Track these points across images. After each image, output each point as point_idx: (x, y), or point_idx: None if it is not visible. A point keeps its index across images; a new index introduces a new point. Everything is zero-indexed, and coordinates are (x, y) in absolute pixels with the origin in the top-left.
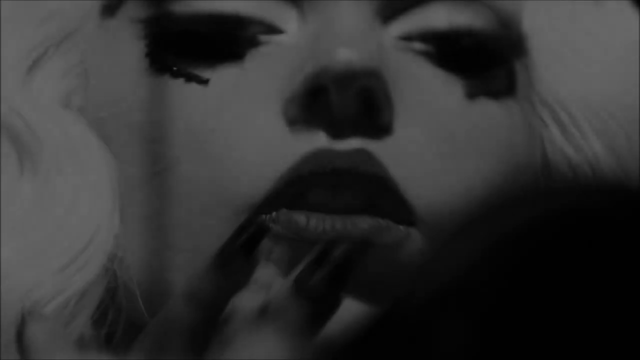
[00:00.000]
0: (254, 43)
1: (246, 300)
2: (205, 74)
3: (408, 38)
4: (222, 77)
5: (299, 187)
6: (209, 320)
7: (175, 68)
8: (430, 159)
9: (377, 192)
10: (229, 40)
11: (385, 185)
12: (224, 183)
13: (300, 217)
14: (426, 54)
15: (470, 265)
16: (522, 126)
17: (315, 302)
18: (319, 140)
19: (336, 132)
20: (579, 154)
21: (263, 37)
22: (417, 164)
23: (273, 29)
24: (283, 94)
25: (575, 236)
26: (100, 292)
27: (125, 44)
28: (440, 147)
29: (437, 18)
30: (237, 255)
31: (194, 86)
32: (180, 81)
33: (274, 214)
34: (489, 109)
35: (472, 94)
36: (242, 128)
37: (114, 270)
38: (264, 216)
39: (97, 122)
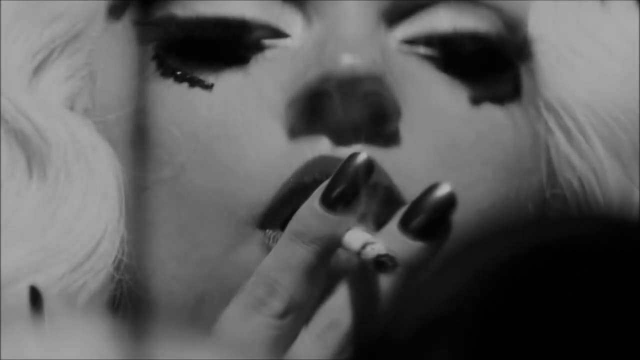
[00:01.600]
0: (258, 47)
1: (355, 238)
2: (209, 78)
3: (413, 42)
4: (227, 82)
5: (302, 195)
6: (321, 256)
7: (179, 72)
8: (434, 168)
9: (381, 203)
10: (234, 44)
11: (388, 194)
12: (228, 192)
13: None
14: (431, 59)
15: (459, 294)
16: (527, 132)
17: (421, 240)
18: (323, 146)
19: (340, 139)
20: (583, 160)
21: (268, 42)
22: (420, 173)
23: (278, 33)
24: (287, 100)
25: (564, 267)
26: (105, 299)
27: (131, 47)
28: (444, 155)
29: (442, 22)
30: (343, 194)
31: (198, 91)
32: (185, 86)
33: (277, 234)
34: (493, 116)
35: (477, 100)
36: (246, 135)
37: (120, 278)
38: (269, 232)
39: (102, 125)
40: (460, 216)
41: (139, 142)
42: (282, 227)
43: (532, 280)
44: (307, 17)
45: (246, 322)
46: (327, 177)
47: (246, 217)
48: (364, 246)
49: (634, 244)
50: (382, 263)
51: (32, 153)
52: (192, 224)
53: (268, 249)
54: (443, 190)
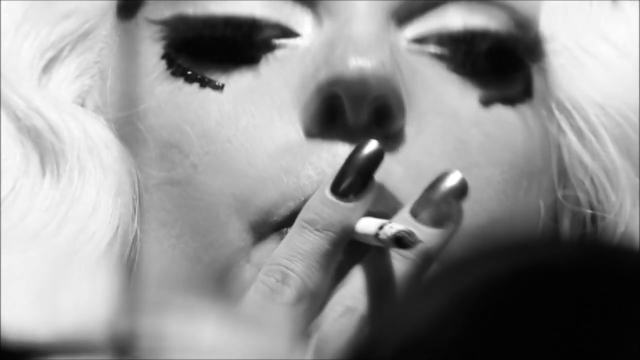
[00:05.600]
0: (269, 47)
1: (370, 223)
2: (220, 79)
3: (423, 41)
4: (237, 82)
5: None
6: (334, 243)
7: (189, 72)
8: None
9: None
10: (244, 43)
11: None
12: (240, 195)
13: None
14: (441, 58)
15: (439, 316)
16: (538, 133)
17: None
18: (338, 156)
19: (352, 142)
20: (595, 160)
21: (278, 41)
22: (429, 177)
23: (288, 32)
24: (298, 101)
25: (543, 291)
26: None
27: (142, 46)
28: (453, 158)
29: (453, 20)
30: (353, 184)
31: (208, 92)
32: (195, 86)
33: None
34: (504, 117)
35: (487, 101)
36: (257, 137)
37: (131, 279)
38: (285, 229)
39: (114, 123)
40: (469, 218)
41: (150, 141)
42: None
43: (512, 304)
44: (318, 17)
45: (262, 310)
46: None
47: (257, 221)
48: (381, 227)
49: (616, 269)
50: (401, 239)
51: (45, 150)
52: (204, 226)
53: None
54: (453, 180)
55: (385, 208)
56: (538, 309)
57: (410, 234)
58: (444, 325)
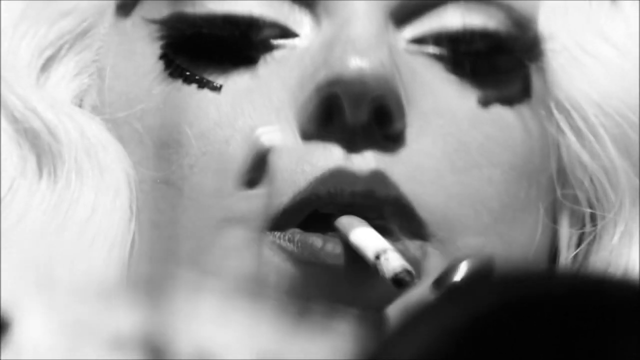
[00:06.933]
0: (267, 47)
1: (368, 244)
2: (218, 80)
3: (421, 41)
4: (235, 83)
5: (314, 207)
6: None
7: (187, 73)
8: (444, 173)
9: (391, 212)
10: (243, 43)
11: (399, 205)
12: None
13: (316, 240)
14: (440, 58)
15: (425, 351)
16: (537, 133)
17: None
18: (335, 153)
19: (350, 144)
20: (594, 159)
21: (276, 42)
22: (430, 179)
23: (287, 33)
24: (296, 102)
25: (530, 325)
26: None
27: (140, 45)
28: (453, 158)
29: (451, 20)
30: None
31: (206, 92)
32: (193, 87)
33: (288, 233)
34: (502, 117)
35: (486, 102)
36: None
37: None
38: (277, 233)
39: (111, 123)
40: (473, 219)
41: (148, 142)
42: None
43: (499, 338)
44: (316, 17)
45: None
46: (341, 190)
47: (254, 225)
48: (377, 256)
49: (606, 301)
50: (400, 280)
51: (43, 151)
52: (198, 228)
53: (275, 251)
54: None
55: (387, 195)
56: (527, 342)
57: (408, 273)
58: (433, 358)
